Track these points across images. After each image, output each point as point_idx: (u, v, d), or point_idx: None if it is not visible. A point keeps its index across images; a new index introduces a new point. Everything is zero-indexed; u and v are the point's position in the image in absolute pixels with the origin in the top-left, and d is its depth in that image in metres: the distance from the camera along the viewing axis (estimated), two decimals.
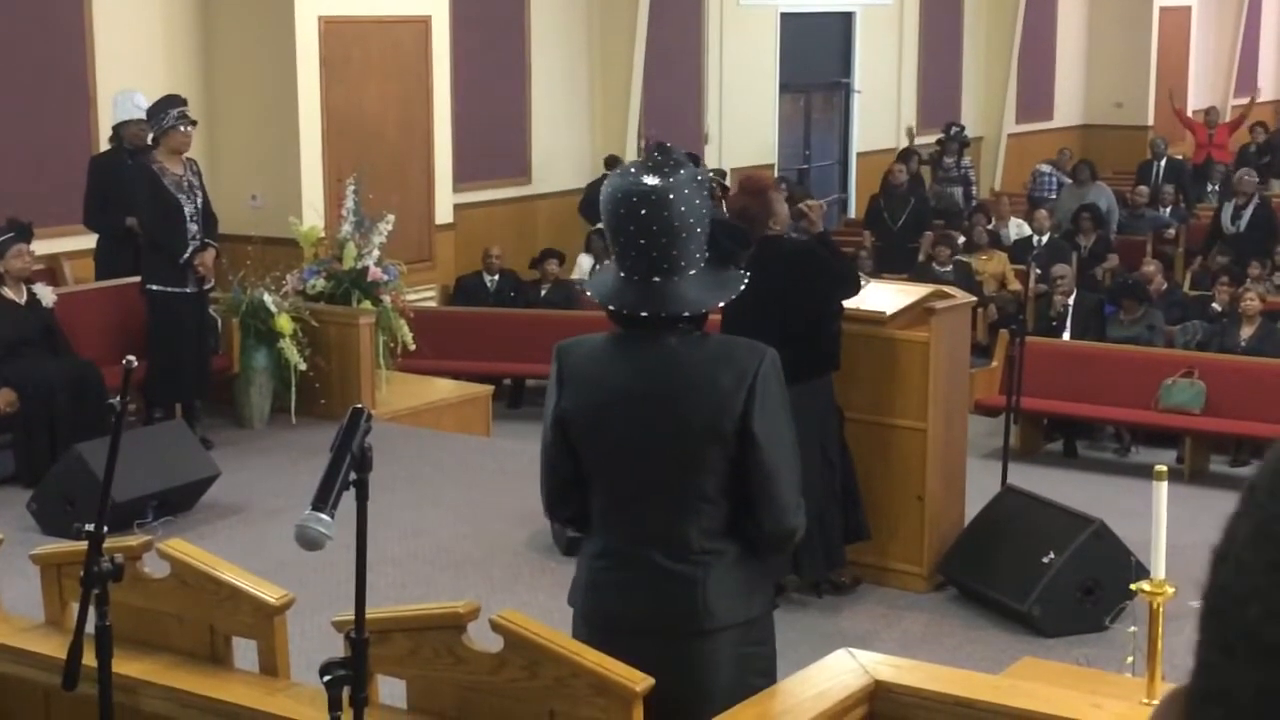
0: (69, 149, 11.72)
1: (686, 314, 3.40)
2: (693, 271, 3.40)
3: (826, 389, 7.11)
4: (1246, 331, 12.11)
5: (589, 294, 3.56)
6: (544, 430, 3.59)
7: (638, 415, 3.42)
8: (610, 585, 3.51)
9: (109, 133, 10.80)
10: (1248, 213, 15.76)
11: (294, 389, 10.36)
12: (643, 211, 3.34)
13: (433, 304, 13.39)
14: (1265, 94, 26.73)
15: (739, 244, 3.49)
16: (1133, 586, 4.36)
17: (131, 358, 3.50)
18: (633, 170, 3.42)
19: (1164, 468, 3.99)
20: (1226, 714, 1.01)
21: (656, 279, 3.38)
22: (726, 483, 3.41)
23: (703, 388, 3.38)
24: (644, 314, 3.39)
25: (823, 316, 7.03)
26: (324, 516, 3.15)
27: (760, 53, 18.36)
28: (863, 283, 7.43)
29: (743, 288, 3.50)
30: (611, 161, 16.84)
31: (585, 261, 15.19)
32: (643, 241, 3.36)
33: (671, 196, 3.34)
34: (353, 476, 3.19)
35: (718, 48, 17.66)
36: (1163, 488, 3.84)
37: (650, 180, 3.36)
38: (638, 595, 3.48)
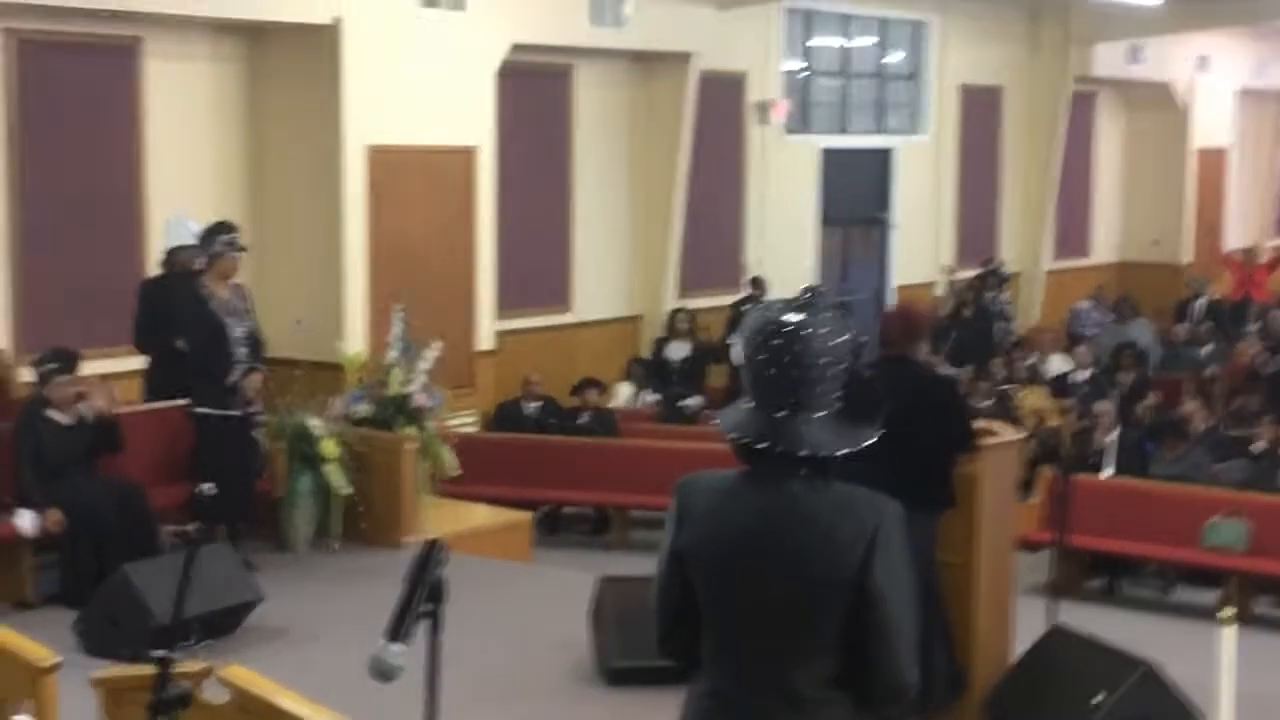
0: (121, 272, 11.87)
1: (806, 453, 3.35)
2: (821, 413, 3.37)
3: (934, 528, 7.14)
4: None
5: (718, 423, 3.53)
6: (659, 563, 3.56)
7: (754, 559, 3.36)
8: None
9: (161, 256, 10.93)
10: None
11: (337, 513, 10.37)
12: (777, 343, 3.34)
13: (473, 429, 13.44)
14: None
15: (876, 401, 3.45)
16: None
17: (206, 485, 3.52)
18: (776, 306, 3.43)
19: (1230, 610, 3.96)
20: None
21: (783, 413, 3.36)
22: (841, 633, 3.34)
23: (821, 537, 3.32)
24: (763, 445, 3.38)
25: (942, 452, 7.08)
26: (398, 648, 3.15)
27: (802, 186, 18.53)
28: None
29: (871, 443, 3.47)
30: (757, 282, 17.19)
31: (625, 390, 15.25)
32: (772, 372, 3.34)
33: (807, 332, 3.34)
34: (426, 608, 3.19)
35: (760, 180, 17.83)
36: (1230, 633, 3.81)
37: (790, 316, 3.36)
38: None
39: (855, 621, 3.33)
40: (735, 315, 15.65)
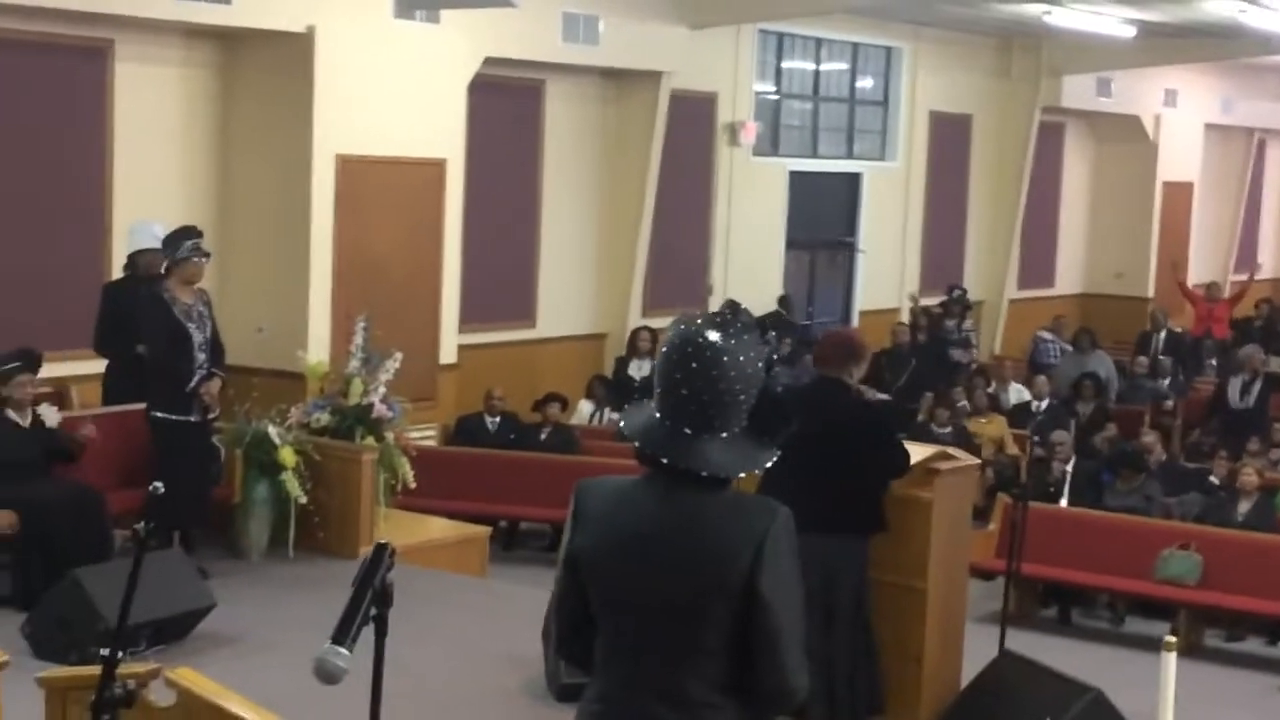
0: (83, 275, 11.84)
1: (706, 474, 3.40)
2: (724, 435, 3.40)
3: (866, 549, 7.17)
4: (1244, 506, 12.14)
5: (622, 425, 3.57)
6: (558, 567, 3.61)
7: (645, 563, 3.41)
8: None
9: (124, 260, 10.90)
10: (1256, 388, 15.87)
11: (293, 521, 10.35)
12: (693, 364, 3.37)
13: (433, 443, 13.42)
14: (1265, 270, 27.01)
15: (782, 421, 3.49)
16: None
17: (158, 484, 3.52)
18: (699, 321, 3.44)
19: (1173, 639, 4.00)
20: None
21: (687, 431, 3.39)
22: (729, 637, 3.38)
23: (711, 542, 3.37)
24: (664, 460, 3.42)
25: (873, 476, 7.12)
26: (343, 650, 3.16)
27: (769, 209, 18.61)
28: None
29: (769, 465, 3.50)
30: (783, 301, 17.48)
31: (586, 407, 15.26)
32: (684, 392, 3.38)
33: (726, 358, 3.37)
34: (373, 611, 3.20)
35: (726, 202, 17.89)
36: (1171, 658, 3.85)
37: (712, 335, 3.38)
38: None
39: (744, 625, 3.36)
40: None
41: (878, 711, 7.32)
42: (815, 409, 6.65)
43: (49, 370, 10.01)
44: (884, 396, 14.19)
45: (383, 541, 3.35)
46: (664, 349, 3.45)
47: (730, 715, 3.42)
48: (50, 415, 9.57)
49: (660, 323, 16.23)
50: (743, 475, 3.45)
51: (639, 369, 15.48)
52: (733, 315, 3.46)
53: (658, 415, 3.44)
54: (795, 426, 3.50)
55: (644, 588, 3.41)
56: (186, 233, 9.94)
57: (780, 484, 4.78)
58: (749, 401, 3.42)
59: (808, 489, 4.11)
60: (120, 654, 3.58)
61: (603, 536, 3.47)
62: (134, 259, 10.71)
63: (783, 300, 18.32)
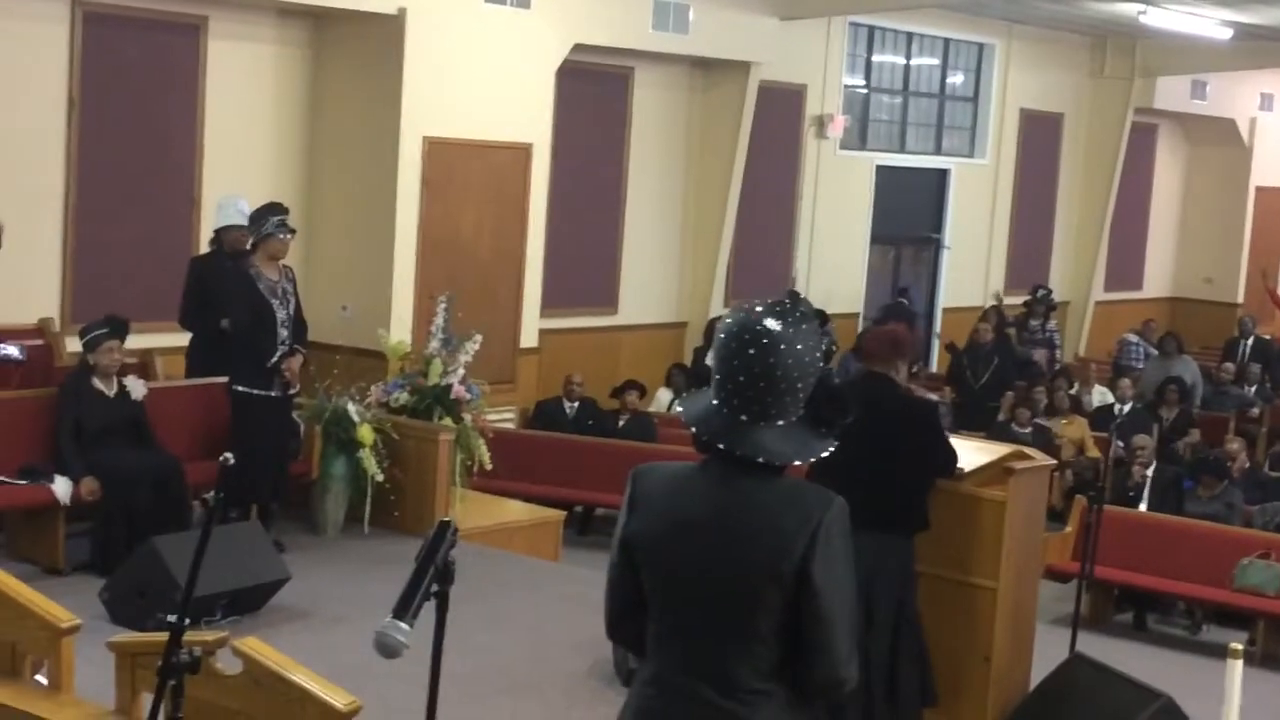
0: (171, 249, 12.00)
1: (762, 460, 3.40)
2: (781, 423, 3.41)
3: (910, 548, 7.11)
4: None
5: (680, 411, 3.59)
6: (611, 550, 3.62)
7: (698, 547, 3.42)
8: (657, 714, 3.48)
9: (210, 235, 11.01)
10: None
11: (369, 499, 10.44)
12: (751, 351, 3.38)
13: (511, 426, 13.49)
14: None
15: (839, 411, 3.49)
16: None
17: (229, 455, 3.57)
18: (757, 309, 3.45)
19: (1239, 646, 3.96)
20: None
21: (744, 418, 3.40)
22: (781, 625, 3.39)
23: (766, 528, 3.37)
24: (721, 446, 3.43)
25: (921, 477, 7.06)
26: (404, 625, 3.19)
27: (854, 202, 18.54)
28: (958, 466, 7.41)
29: (826, 454, 3.50)
30: (903, 291, 17.77)
31: (664, 395, 15.27)
32: (742, 379, 3.39)
33: (783, 346, 3.37)
34: (434, 588, 3.22)
35: (812, 194, 17.84)
36: (1237, 666, 3.81)
37: (770, 323, 3.39)
38: None
39: (795, 613, 3.37)
40: None
41: (930, 704, 7.27)
42: (862, 404, 6.59)
43: (134, 341, 10.13)
44: (933, 396, 14.17)
45: (446, 519, 3.38)
46: (721, 336, 3.46)
47: (780, 702, 3.43)
48: (136, 387, 9.68)
49: None
50: (798, 463, 3.45)
51: None
52: (792, 304, 3.47)
53: (715, 402, 3.45)
54: (853, 417, 3.50)
55: (697, 573, 3.42)
56: (272, 209, 10.02)
57: (825, 479, 4.77)
58: (806, 390, 3.43)
59: (851, 484, 4.10)
60: (189, 621, 3.62)
61: (657, 521, 3.48)
62: (220, 234, 10.80)
63: (903, 291, 18.49)
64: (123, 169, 12.10)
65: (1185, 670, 10.00)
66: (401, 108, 12.73)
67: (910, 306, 18.57)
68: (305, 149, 13.25)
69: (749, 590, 3.37)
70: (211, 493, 3.58)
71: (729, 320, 3.46)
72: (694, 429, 3.47)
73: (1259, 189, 23.91)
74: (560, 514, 11.54)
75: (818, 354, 3.45)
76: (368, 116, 12.92)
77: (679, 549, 3.44)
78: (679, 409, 3.58)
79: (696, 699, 3.42)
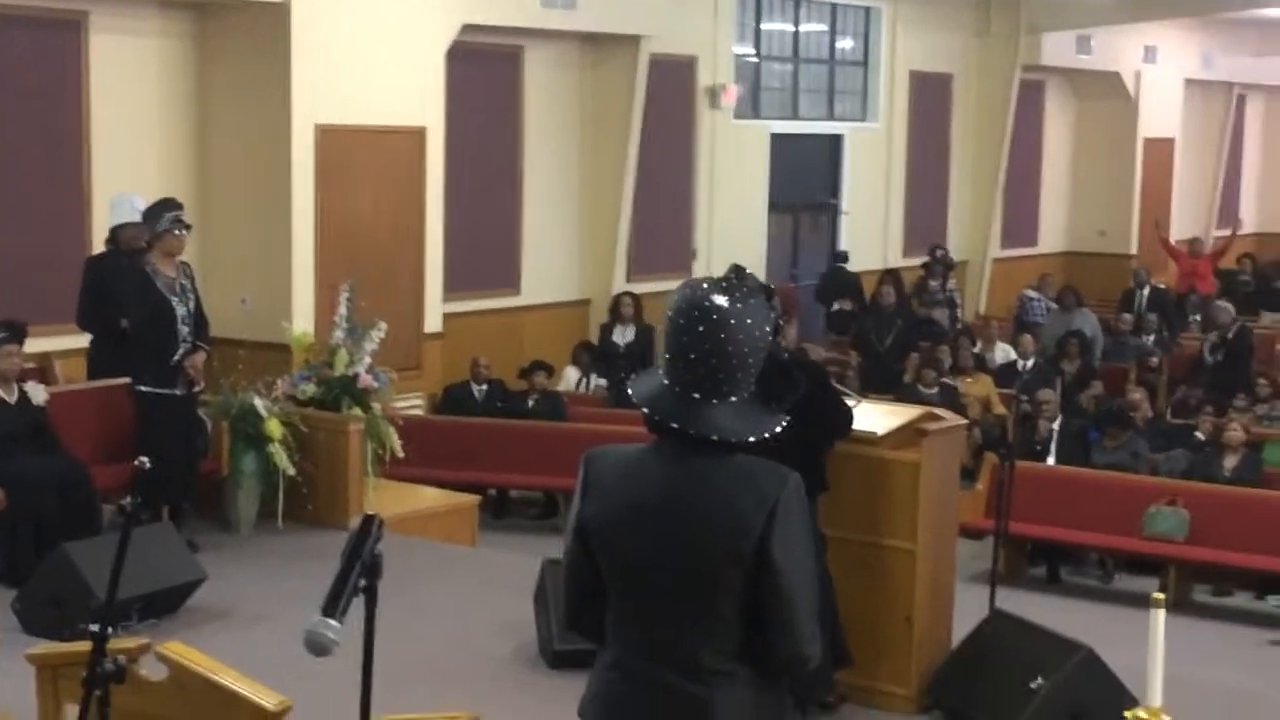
0: (65, 250, 11.79)
1: (716, 438, 3.39)
2: (734, 399, 3.40)
3: (813, 512, 7.13)
4: (1230, 461, 12.18)
5: (631, 392, 3.57)
6: (566, 537, 3.59)
7: (655, 530, 3.40)
8: (620, 699, 3.48)
9: (105, 235, 10.85)
10: (1230, 344, 15.89)
11: (281, 494, 10.34)
12: (701, 329, 3.36)
13: (420, 412, 13.41)
14: (1247, 225, 27.03)
15: (789, 388, 3.49)
16: (1127, 714, 4.35)
17: (144, 459, 3.51)
18: (704, 286, 3.43)
19: (1160, 595, 4.00)
20: None
21: (696, 395, 3.38)
22: (742, 605, 3.38)
23: (723, 508, 3.36)
24: (674, 425, 3.40)
25: (816, 439, 7.06)
26: (334, 622, 3.15)
27: (751, 171, 18.56)
28: (854, 417, 7.42)
29: (779, 429, 3.49)
30: (842, 256, 18.54)
31: (572, 374, 15.25)
32: (693, 357, 3.37)
33: (734, 321, 3.36)
34: (362, 583, 3.19)
35: (709, 165, 17.85)
36: (1159, 614, 3.85)
37: (718, 300, 3.38)
38: (646, 712, 3.44)
39: (756, 593, 3.36)
40: None
41: (843, 665, 7.31)
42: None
43: (33, 345, 9.97)
44: (823, 354, 14.24)
45: (371, 513, 3.34)
46: (670, 314, 3.43)
47: (743, 682, 3.42)
48: (37, 393, 9.54)
49: (644, 288, 16.22)
50: (753, 440, 3.43)
51: (623, 335, 15.47)
52: (739, 280, 3.46)
53: (666, 382, 3.43)
54: (803, 390, 3.50)
55: (656, 556, 3.40)
56: (166, 205, 9.90)
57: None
58: (757, 366, 3.42)
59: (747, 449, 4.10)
60: (111, 629, 3.56)
61: (613, 505, 3.46)
62: (115, 233, 10.65)
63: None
64: (10, 170, 11.89)
65: (1101, 620, 10.12)
66: (291, 96, 12.58)
67: (849, 270, 18.78)
68: (196, 142, 13.07)
69: (708, 571, 3.36)
70: (129, 498, 3.52)
71: (676, 299, 3.44)
72: (645, 409, 3.44)
73: (1147, 140, 24.21)
74: (475, 499, 11.50)
75: (766, 328, 3.44)
76: (257, 107, 12.76)
77: (635, 533, 3.42)
78: (630, 390, 3.55)
79: (659, 682, 3.41)
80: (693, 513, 3.37)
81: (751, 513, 3.34)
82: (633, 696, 3.45)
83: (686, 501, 3.38)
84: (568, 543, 3.56)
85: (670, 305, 3.46)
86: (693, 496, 3.38)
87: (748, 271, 3.50)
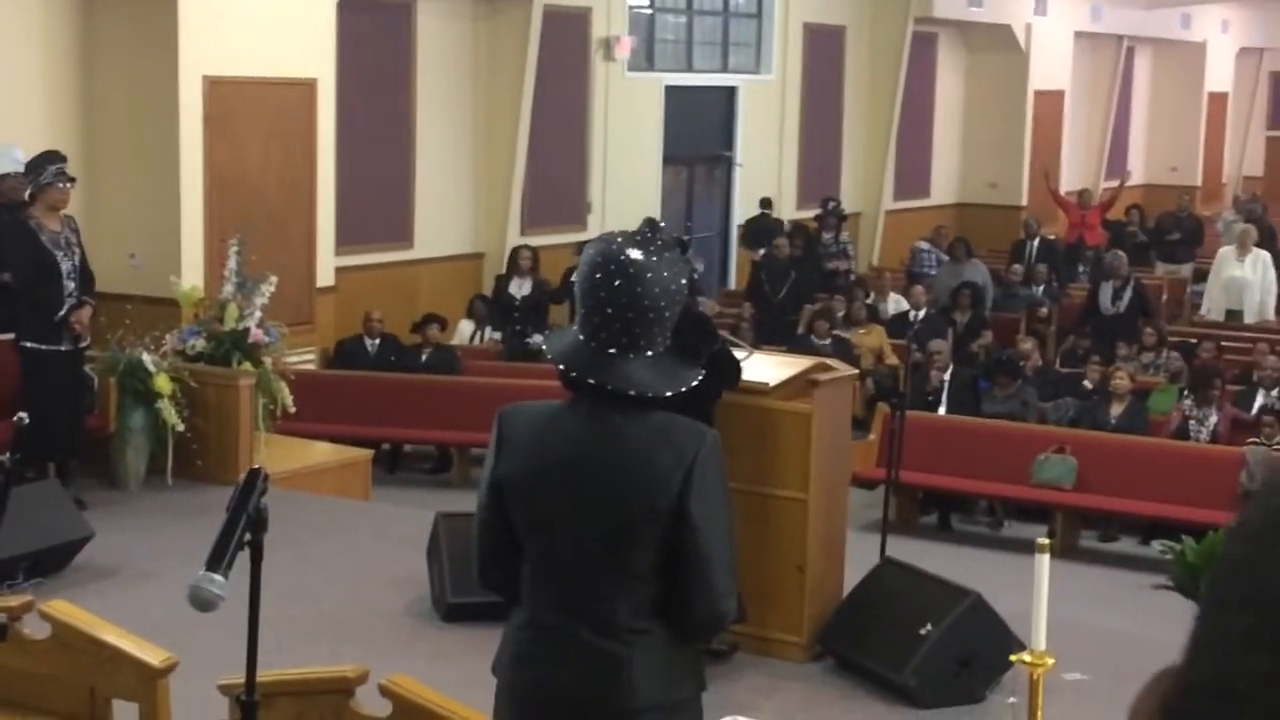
0: None
1: (633, 393, 3.37)
2: (650, 353, 3.38)
3: None
4: (1116, 409, 12.35)
5: (545, 348, 3.55)
6: (479, 493, 3.56)
7: (572, 486, 3.38)
8: (535, 658, 3.45)
9: None
10: (1127, 294, 16.09)
11: (171, 450, 10.24)
12: (616, 282, 3.34)
13: (312, 367, 13.30)
14: (1135, 177, 27.39)
15: (705, 342, 3.48)
16: (1013, 658, 4.42)
17: (23, 415, 3.45)
18: (618, 240, 3.41)
19: (1046, 540, 4.06)
20: (1228, 705, 1.00)
21: (612, 350, 3.36)
22: (659, 562, 3.37)
23: (640, 465, 3.35)
24: (590, 381, 3.38)
25: (705, 388, 7.07)
26: (218, 577, 3.12)
27: (645, 124, 18.53)
28: (743, 367, 7.45)
29: (695, 384, 3.48)
30: (766, 202, 18.12)
31: (466, 327, 15.19)
32: (609, 311, 3.35)
33: (649, 275, 3.34)
34: (248, 537, 3.16)
35: (603, 117, 17.80)
36: (1044, 560, 3.91)
37: (633, 253, 3.36)
38: (562, 670, 3.42)
39: (672, 550, 3.35)
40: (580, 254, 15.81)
41: (738, 620, 7.36)
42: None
43: None
44: (716, 307, 14.28)
45: (256, 467, 3.31)
46: (584, 268, 3.40)
47: (659, 639, 3.41)
48: None
49: (539, 241, 16.17)
50: (669, 394, 3.41)
51: (519, 288, 15.42)
52: (652, 233, 3.45)
53: (581, 337, 3.41)
54: (719, 344, 3.50)
55: (571, 512, 3.38)
56: (50, 157, 9.73)
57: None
58: (673, 319, 3.41)
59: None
60: None
61: (527, 462, 3.43)
62: None
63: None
64: None
65: (990, 567, 10.25)
66: (178, 48, 12.38)
67: (773, 217, 18.95)
68: (81, 95, 12.83)
69: (625, 528, 3.35)
70: (6, 455, 3.46)
71: (590, 252, 3.42)
72: (561, 365, 3.41)
73: (1037, 93, 24.44)
74: (368, 453, 11.45)
75: (682, 281, 3.42)
76: (144, 58, 12.54)
77: (551, 489, 3.40)
78: (544, 345, 3.51)
79: (574, 640, 3.39)
80: (610, 470, 3.35)
81: (669, 470, 3.33)
82: (547, 655, 3.43)
83: (603, 458, 3.36)
84: (481, 498, 3.52)
85: (584, 259, 3.44)
86: (609, 453, 3.36)
87: (661, 225, 3.47)
